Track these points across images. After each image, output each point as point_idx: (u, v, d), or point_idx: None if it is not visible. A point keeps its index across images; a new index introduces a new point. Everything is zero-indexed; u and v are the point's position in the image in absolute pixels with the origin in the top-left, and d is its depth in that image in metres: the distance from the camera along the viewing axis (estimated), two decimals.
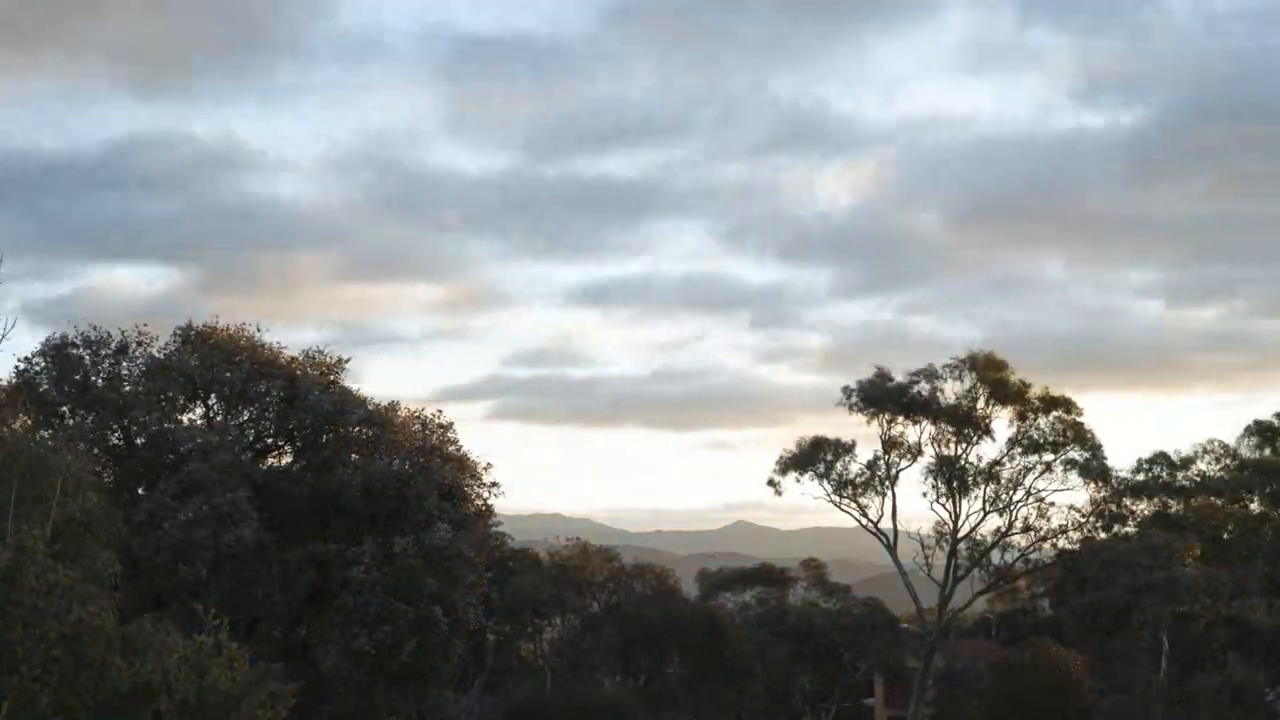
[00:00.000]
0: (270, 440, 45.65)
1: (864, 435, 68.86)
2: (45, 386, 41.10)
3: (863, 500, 68.27)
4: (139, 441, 42.11)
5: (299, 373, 44.69)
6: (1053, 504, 66.85)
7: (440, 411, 46.40)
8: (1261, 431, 77.42)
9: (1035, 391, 66.60)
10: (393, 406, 45.83)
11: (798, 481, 68.43)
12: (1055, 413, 66.33)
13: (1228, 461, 77.10)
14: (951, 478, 67.04)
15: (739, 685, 72.12)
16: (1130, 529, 74.34)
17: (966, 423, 66.68)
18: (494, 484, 46.88)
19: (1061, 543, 68.94)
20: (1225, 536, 74.89)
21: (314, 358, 45.66)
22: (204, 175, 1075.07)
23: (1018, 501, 66.78)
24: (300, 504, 42.51)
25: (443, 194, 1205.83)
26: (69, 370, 41.36)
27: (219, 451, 40.31)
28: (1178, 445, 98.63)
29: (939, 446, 67.19)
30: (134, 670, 18.59)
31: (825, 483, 68.20)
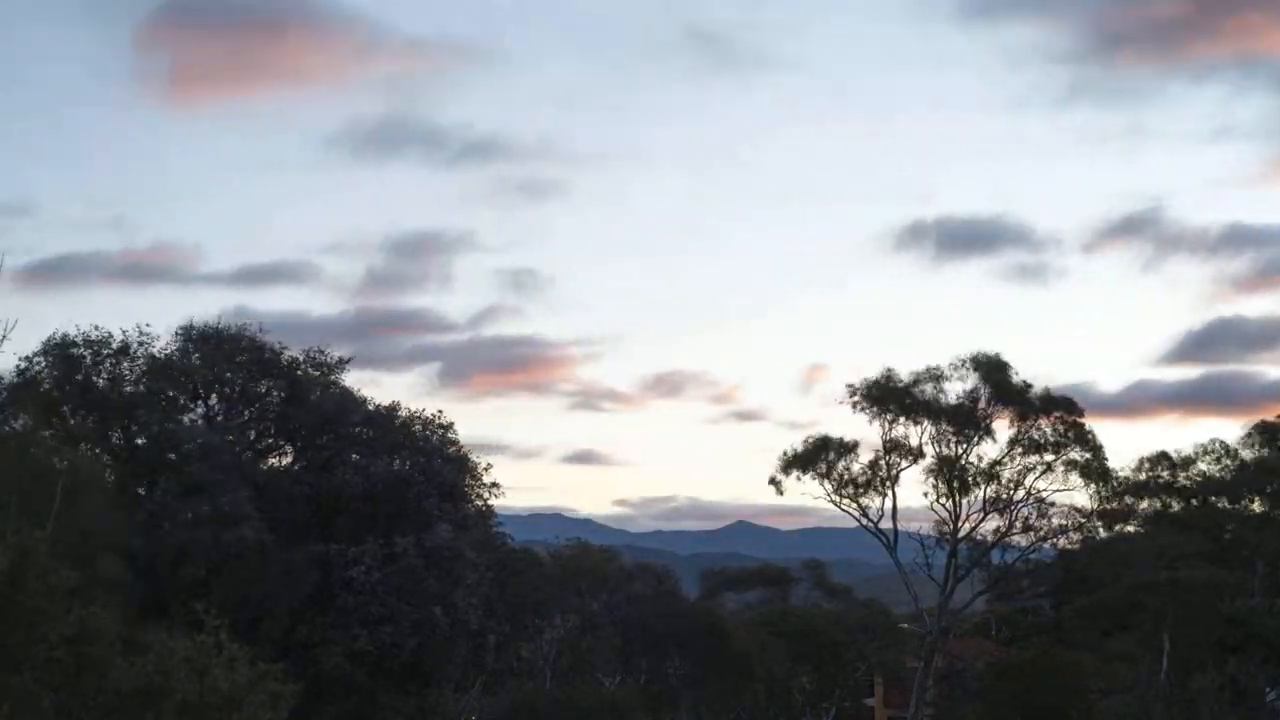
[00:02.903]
0: (271, 440, 45.66)
1: (866, 435, 68.88)
2: (47, 386, 41.07)
3: (864, 500, 68.22)
4: (140, 442, 42.09)
5: (300, 373, 44.73)
6: (1053, 504, 66.79)
7: (441, 412, 46.52)
8: (1262, 431, 77.34)
9: (1036, 392, 66.58)
10: (393, 407, 45.91)
11: (799, 480, 68.38)
12: (1056, 413, 66.28)
13: (1228, 462, 77.01)
14: (952, 478, 66.96)
15: (739, 685, 72.20)
16: (1131, 529, 74.29)
17: (968, 423, 66.63)
18: (494, 484, 47.02)
19: (1062, 543, 68.86)
20: (1226, 537, 74.79)
21: (315, 358, 45.70)
22: None
23: (1018, 501, 66.71)
24: (301, 504, 42.54)
25: None
26: (70, 370, 41.32)
27: (220, 452, 40.32)
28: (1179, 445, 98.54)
29: (940, 446, 67.16)
30: (135, 671, 18.61)
31: (826, 482, 68.14)
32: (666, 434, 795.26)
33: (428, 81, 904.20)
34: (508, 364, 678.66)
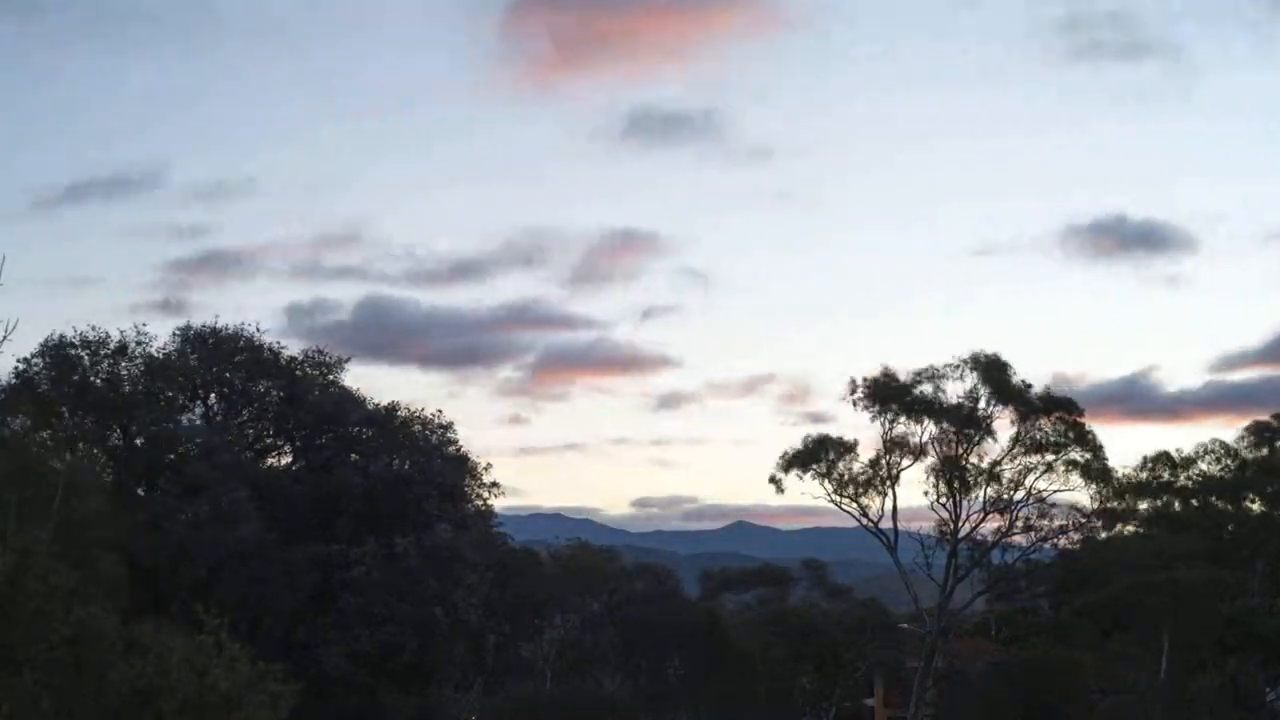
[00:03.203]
0: (270, 440, 45.62)
1: (866, 434, 68.77)
2: (44, 387, 41.00)
3: (864, 500, 68.13)
4: (138, 442, 42.03)
5: (299, 372, 44.68)
6: (1054, 504, 66.70)
7: (440, 412, 46.48)
8: (1261, 431, 77.31)
9: (1037, 392, 66.52)
10: (393, 406, 45.87)
11: (800, 480, 68.28)
12: (1057, 413, 66.19)
13: (1228, 461, 76.98)
14: (953, 478, 66.88)
15: (739, 685, 72.11)
16: (1131, 529, 74.22)
17: (968, 423, 66.54)
18: (494, 484, 46.98)
19: (1062, 543, 68.80)
20: (1226, 537, 74.77)
21: (314, 357, 45.67)
22: None
23: (1019, 501, 66.62)
24: (301, 504, 42.48)
25: None
26: (68, 370, 41.25)
27: (219, 451, 40.28)
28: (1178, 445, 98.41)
29: (941, 446, 67.07)
30: (135, 671, 18.55)
31: (827, 482, 68.05)
32: (732, 435, 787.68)
33: (762, 73, 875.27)
34: (609, 364, 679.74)
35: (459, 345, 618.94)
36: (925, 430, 67.08)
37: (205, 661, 18.91)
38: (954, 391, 66.89)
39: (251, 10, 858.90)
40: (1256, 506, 76.96)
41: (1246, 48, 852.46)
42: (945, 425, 66.54)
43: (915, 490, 69.28)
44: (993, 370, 66.64)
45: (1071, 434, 66.25)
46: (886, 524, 68.27)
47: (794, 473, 68.18)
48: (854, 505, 68.24)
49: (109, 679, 18.14)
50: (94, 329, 42.19)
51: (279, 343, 45.00)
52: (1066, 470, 66.28)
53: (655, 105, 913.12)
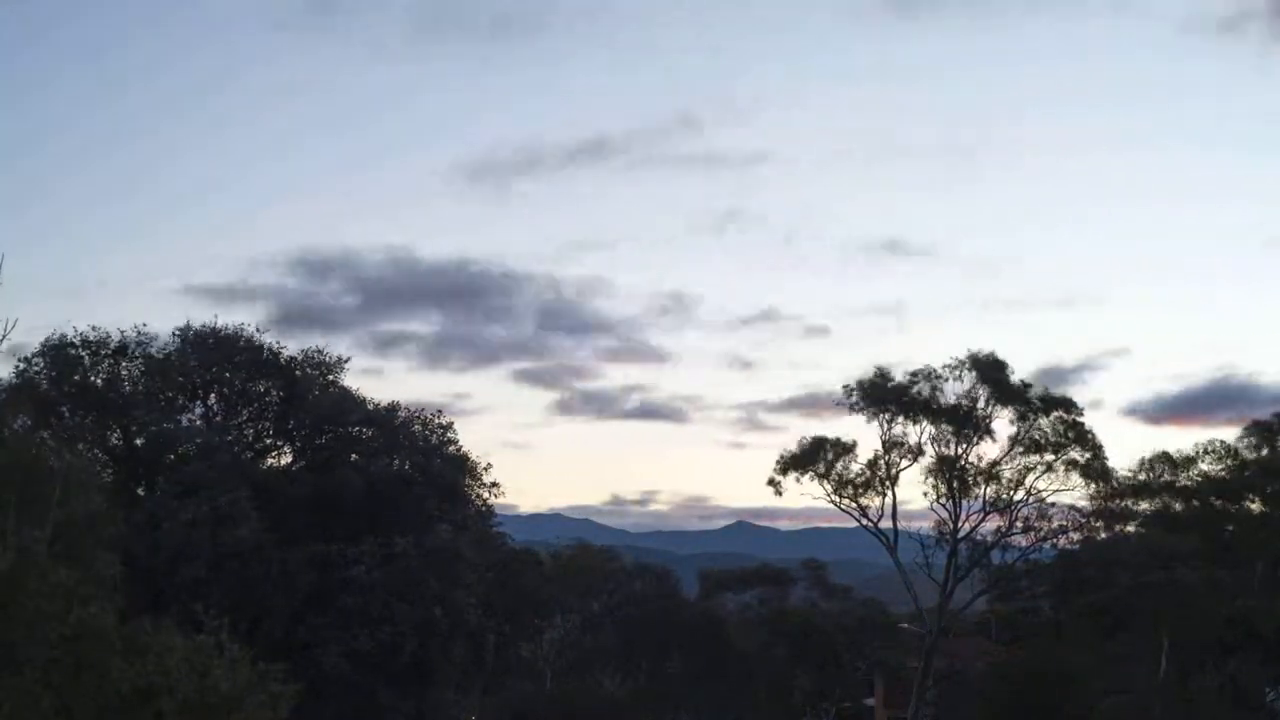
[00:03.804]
0: (270, 440, 45.59)
1: (864, 435, 68.82)
2: (44, 386, 41.01)
3: (863, 500, 68.13)
4: (138, 442, 42.04)
5: (298, 372, 44.65)
6: (1053, 504, 66.71)
7: (440, 412, 46.47)
8: (1262, 431, 77.25)
9: (1036, 391, 66.51)
10: (393, 406, 45.85)
11: (798, 481, 68.28)
12: (1056, 413, 66.19)
13: (1228, 461, 76.92)
14: (952, 478, 66.87)
15: (739, 685, 72.15)
16: (1131, 529, 74.17)
17: (967, 423, 66.54)
18: (494, 484, 46.96)
19: (1062, 543, 68.78)
20: (1226, 537, 74.71)
21: (313, 357, 45.64)
22: None
23: (1018, 501, 66.62)
24: (300, 504, 42.44)
25: None
26: (68, 370, 41.26)
27: (219, 451, 40.25)
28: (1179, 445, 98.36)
29: (939, 446, 67.07)
30: (135, 671, 18.51)
31: (825, 482, 68.05)
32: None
33: None
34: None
35: None
36: (923, 430, 67.14)
37: (206, 661, 18.88)
38: (952, 391, 66.96)
39: None
40: (1256, 506, 76.89)
41: None
42: (943, 425, 66.57)
43: (915, 490, 69.37)
44: (991, 370, 66.63)
45: (1071, 434, 66.24)
46: (886, 524, 68.35)
47: (793, 474, 68.29)
48: (853, 505, 68.30)
49: (109, 678, 18.10)
50: (94, 329, 42.32)
51: (278, 343, 45.08)
52: (1066, 470, 66.32)
53: None
